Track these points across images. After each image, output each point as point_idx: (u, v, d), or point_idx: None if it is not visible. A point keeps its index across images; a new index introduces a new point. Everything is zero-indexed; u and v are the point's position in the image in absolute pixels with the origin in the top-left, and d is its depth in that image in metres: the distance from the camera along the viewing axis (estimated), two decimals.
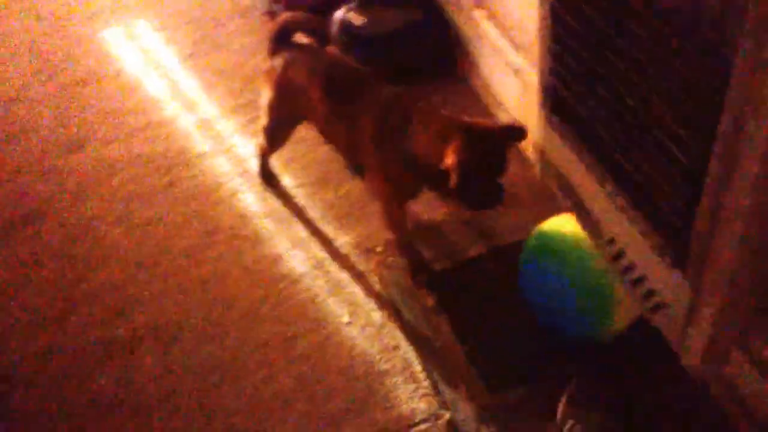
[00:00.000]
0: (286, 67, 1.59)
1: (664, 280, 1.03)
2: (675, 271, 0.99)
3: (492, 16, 1.86)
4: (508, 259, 1.55)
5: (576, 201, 1.25)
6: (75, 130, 2.01)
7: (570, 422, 1.26)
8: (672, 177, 0.91)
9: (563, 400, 1.30)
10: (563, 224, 1.37)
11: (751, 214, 0.84)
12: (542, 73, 1.19)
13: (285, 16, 1.66)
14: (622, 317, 1.34)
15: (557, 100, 1.17)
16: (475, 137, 1.33)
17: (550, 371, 1.38)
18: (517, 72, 1.76)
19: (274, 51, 1.64)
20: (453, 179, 1.31)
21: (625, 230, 1.09)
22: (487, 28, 1.86)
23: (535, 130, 1.32)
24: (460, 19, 1.97)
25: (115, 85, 2.14)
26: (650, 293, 1.10)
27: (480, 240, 1.65)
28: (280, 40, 1.63)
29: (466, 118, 1.40)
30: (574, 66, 1.09)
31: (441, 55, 2.01)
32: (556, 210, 1.44)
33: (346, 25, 1.94)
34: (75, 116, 2.05)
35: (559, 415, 1.30)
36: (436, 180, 1.37)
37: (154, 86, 2.13)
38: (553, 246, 1.38)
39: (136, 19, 2.37)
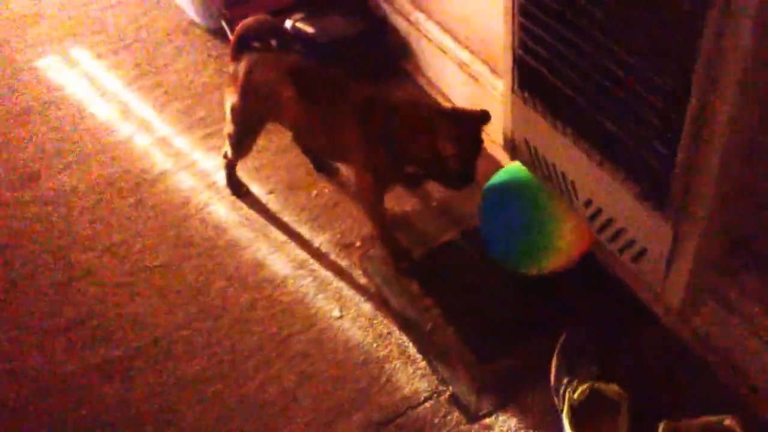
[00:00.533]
0: (251, 69, 1.62)
1: (645, 225, 1.14)
2: (655, 214, 1.09)
3: (432, 17, 1.96)
4: (481, 239, 1.66)
5: (548, 173, 1.35)
6: (26, 161, 1.99)
7: (565, 379, 1.34)
8: (650, 123, 1.01)
9: (555, 357, 1.40)
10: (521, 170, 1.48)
11: (727, 150, 0.95)
12: (511, 49, 1.27)
13: (248, 20, 1.68)
14: (555, 261, 1.49)
15: (526, 74, 1.26)
16: (462, 124, 1.43)
17: (538, 338, 1.47)
18: (461, 65, 1.86)
19: (236, 55, 1.66)
20: (453, 164, 1.43)
21: (604, 186, 1.19)
22: (429, 28, 1.96)
23: (503, 111, 1.41)
24: (402, 23, 2.05)
25: (61, 113, 2.12)
26: (631, 243, 1.20)
27: (451, 226, 1.73)
28: (243, 45, 1.66)
29: (446, 106, 1.49)
30: (542, 35, 1.17)
31: (388, 57, 2.10)
32: None
33: (298, 34, 1.99)
34: (24, 147, 2.02)
35: (553, 372, 1.39)
36: (427, 167, 1.44)
37: (102, 110, 2.12)
38: (508, 186, 1.53)
39: (72, 46, 2.35)
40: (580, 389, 1.29)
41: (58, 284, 1.68)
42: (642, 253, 1.20)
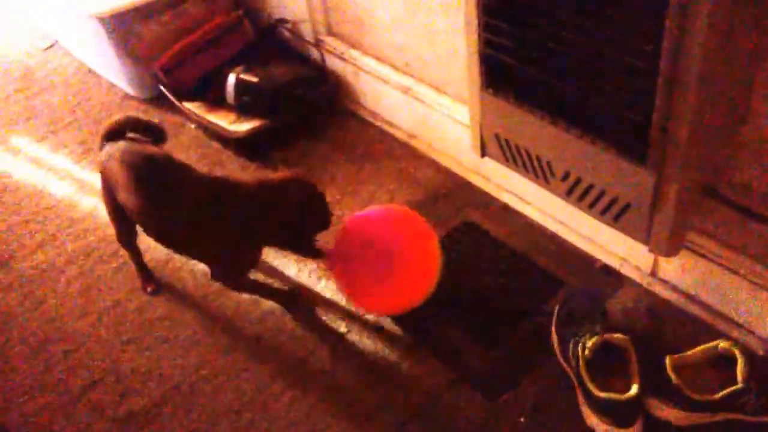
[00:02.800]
0: (106, 160, 1.63)
1: (626, 181, 1.33)
2: (636, 168, 1.29)
3: (367, 52, 2.16)
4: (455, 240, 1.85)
5: (522, 159, 1.55)
6: None
7: (572, 342, 1.52)
8: (626, 86, 1.21)
9: (554, 327, 1.58)
10: None
11: (698, 99, 1.15)
12: (477, 50, 1.45)
13: (119, 115, 1.71)
14: None
15: (494, 70, 1.45)
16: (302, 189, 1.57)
17: (530, 318, 1.67)
18: (405, 90, 2.06)
19: (101, 146, 1.66)
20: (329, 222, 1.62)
21: (583, 156, 1.38)
22: (366, 62, 2.15)
23: (470, 113, 1.61)
24: (339, 64, 2.24)
25: (18, 197, 2.16)
26: (612, 202, 1.39)
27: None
28: (111, 137, 1.66)
29: (281, 174, 1.62)
30: (507, 28, 1.36)
31: (329, 97, 2.27)
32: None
33: (243, 85, 2.14)
34: None
35: (555, 341, 1.57)
36: (289, 235, 1.59)
37: (59, 189, 2.17)
38: None
39: (10, 136, 2.39)
40: (590, 343, 1.46)
41: (65, 353, 1.73)
42: (625, 209, 1.38)
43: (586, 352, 1.46)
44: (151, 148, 1.65)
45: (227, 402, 1.59)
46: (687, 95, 1.16)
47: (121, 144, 1.62)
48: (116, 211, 1.69)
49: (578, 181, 1.45)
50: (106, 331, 1.77)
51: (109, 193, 1.67)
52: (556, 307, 1.61)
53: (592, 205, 1.46)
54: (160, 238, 1.65)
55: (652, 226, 1.37)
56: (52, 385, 1.67)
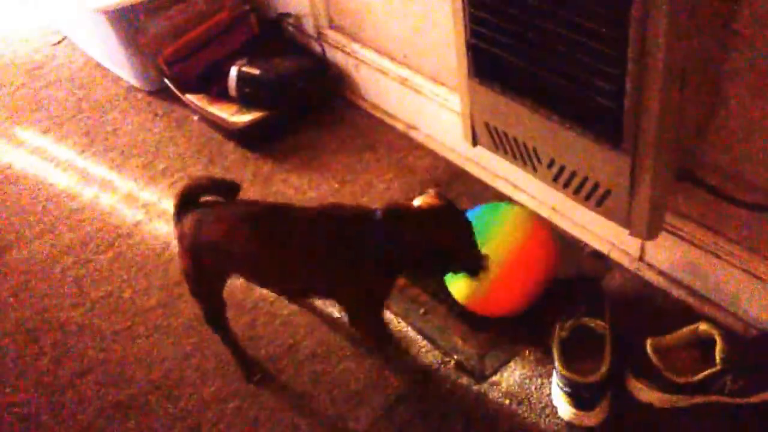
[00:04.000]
0: (199, 226, 1.42)
1: (605, 166, 1.31)
2: (612, 153, 1.27)
3: (366, 45, 2.11)
4: None
5: (510, 147, 1.49)
6: None
7: (557, 322, 1.46)
8: (598, 73, 1.19)
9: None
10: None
11: (666, 84, 1.13)
12: (464, 40, 1.43)
13: (187, 181, 1.52)
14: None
15: (480, 60, 1.43)
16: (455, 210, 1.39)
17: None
18: (403, 81, 2.00)
19: (179, 218, 1.45)
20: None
21: (564, 143, 1.36)
22: (366, 54, 2.11)
23: (461, 102, 1.55)
24: (339, 56, 2.21)
25: (19, 188, 2.15)
26: (595, 188, 1.37)
27: None
28: (186, 205, 1.45)
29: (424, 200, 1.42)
30: (491, 19, 1.34)
31: (329, 88, 2.24)
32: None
33: (246, 77, 2.12)
34: None
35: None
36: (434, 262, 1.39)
37: (60, 179, 2.16)
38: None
39: (14, 128, 2.36)
40: (567, 324, 1.44)
41: (54, 343, 1.70)
42: (606, 194, 1.36)
43: (563, 332, 1.44)
44: (244, 201, 1.51)
45: (215, 391, 1.56)
46: (655, 79, 1.14)
47: (209, 208, 1.45)
48: (205, 284, 1.50)
49: (562, 168, 1.44)
50: (99, 320, 1.74)
51: (197, 265, 1.45)
52: (554, 288, 1.58)
53: (576, 191, 1.45)
54: (297, 290, 1.53)
55: (631, 210, 1.34)
56: (40, 375, 1.64)
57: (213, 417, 1.51)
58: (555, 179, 1.44)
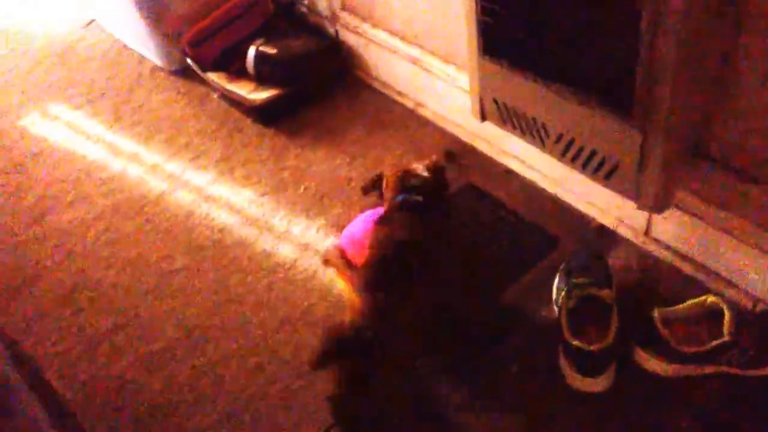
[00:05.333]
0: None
1: (615, 140, 1.27)
2: (623, 126, 1.23)
3: (378, 25, 2.10)
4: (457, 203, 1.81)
5: (519, 122, 1.50)
6: (30, 205, 2.00)
7: (564, 291, 1.47)
8: (610, 48, 1.16)
9: (557, 278, 1.53)
10: None
11: (678, 57, 1.10)
12: (474, 18, 1.40)
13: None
14: None
15: (490, 37, 1.39)
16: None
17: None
18: (414, 61, 2.00)
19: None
20: None
21: (574, 118, 1.32)
22: (377, 35, 2.09)
23: (470, 79, 1.56)
24: (352, 36, 2.18)
25: (54, 160, 2.14)
26: (603, 162, 1.34)
27: None
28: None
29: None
30: None
31: (342, 68, 2.22)
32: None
33: (263, 56, 2.10)
34: (26, 193, 2.04)
35: (554, 291, 1.52)
36: None
37: (91, 152, 2.15)
38: None
39: (49, 104, 2.37)
40: (575, 294, 1.41)
41: (90, 301, 1.71)
42: (615, 168, 1.32)
43: (570, 301, 1.42)
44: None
45: (236, 348, 1.56)
46: (668, 52, 1.10)
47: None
48: None
49: (571, 142, 1.40)
50: (130, 280, 1.75)
51: None
52: (566, 260, 1.56)
53: (584, 166, 1.41)
54: None
55: (639, 184, 1.31)
56: (78, 329, 1.65)
57: (235, 372, 1.50)
58: (563, 153, 1.40)
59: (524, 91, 1.42)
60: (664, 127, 1.20)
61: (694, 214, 1.47)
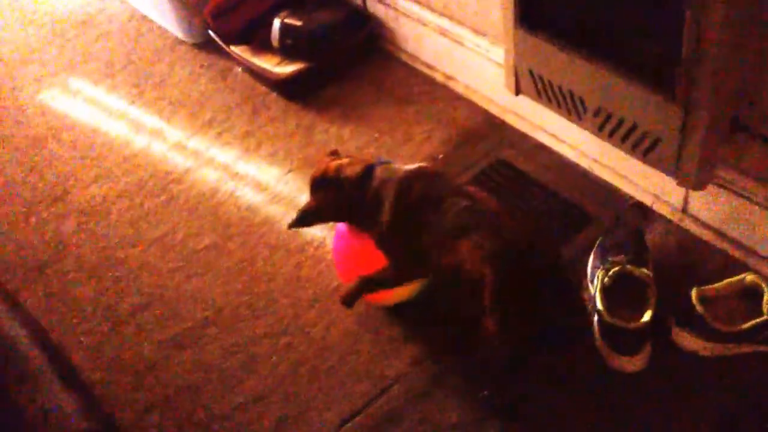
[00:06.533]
0: None
1: (656, 115, 1.27)
2: (666, 103, 1.22)
3: None
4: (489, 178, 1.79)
5: (554, 95, 1.47)
6: (51, 181, 2.01)
7: (598, 269, 1.46)
8: (654, 22, 1.14)
9: (592, 255, 1.52)
10: None
11: (723, 36, 1.09)
12: None
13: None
14: None
15: (529, 9, 1.38)
16: None
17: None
18: (443, 32, 1.97)
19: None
20: None
21: (615, 92, 1.31)
22: (405, 6, 2.07)
23: (505, 51, 1.53)
24: (379, 7, 2.16)
25: (75, 136, 2.15)
26: (643, 137, 1.33)
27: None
28: None
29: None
30: None
31: (369, 40, 2.20)
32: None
33: (288, 29, 2.09)
34: (48, 169, 2.05)
35: (589, 268, 1.51)
36: None
37: (113, 128, 2.16)
38: None
39: (69, 78, 2.37)
40: (611, 272, 1.41)
41: (115, 279, 1.73)
42: (655, 144, 1.32)
43: (606, 279, 1.42)
44: None
45: (267, 326, 1.57)
46: (713, 28, 1.09)
47: None
48: None
49: (609, 116, 1.39)
50: (154, 260, 1.76)
51: None
52: (600, 237, 1.56)
53: (623, 140, 1.40)
54: None
55: (680, 159, 1.30)
56: (103, 308, 1.67)
57: (265, 352, 1.52)
58: (601, 128, 1.39)
59: (562, 64, 1.41)
60: (707, 102, 1.20)
61: (733, 190, 1.46)
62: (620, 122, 1.36)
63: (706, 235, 1.56)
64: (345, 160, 1.43)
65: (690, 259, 1.55)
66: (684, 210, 1.60)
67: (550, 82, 1.46)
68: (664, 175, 1.47)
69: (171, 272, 1.72)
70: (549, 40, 1.38)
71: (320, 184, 1.43)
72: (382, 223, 1.33)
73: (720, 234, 1.55)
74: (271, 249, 1.73)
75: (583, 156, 1.77)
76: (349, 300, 1.45)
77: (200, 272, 1.71)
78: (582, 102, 1.42)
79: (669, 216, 1.62)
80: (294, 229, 1.57)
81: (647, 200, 1.66)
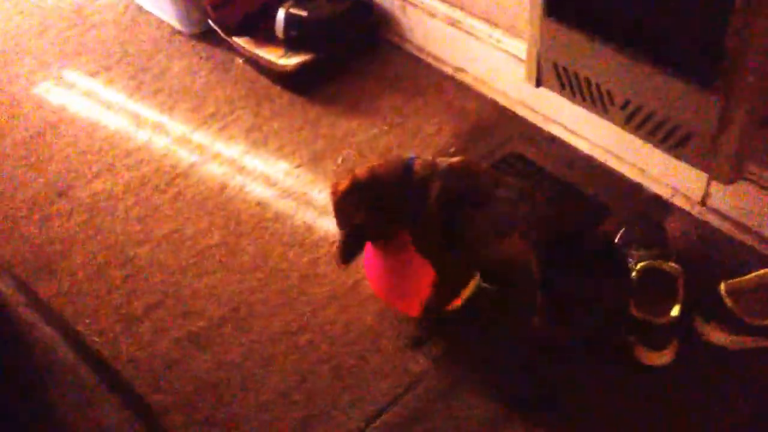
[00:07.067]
0: None
1: (690, 108, 1.27)
2: (703, 95, 1.23)
3: None
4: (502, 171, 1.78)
5: (580, 88, 1.47)
6: (54, 176, 1.97)
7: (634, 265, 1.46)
8: (698, 13, 1.14)
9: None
10: None
11: None
12: None
13: None
14: None
15: (559, 2, 1.37)
16: None
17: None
18: (454, 23, 1.96)
19: None
20: None
21: (645, 84, 1.31)
22: None
23: (528, 42, 1.53)
24: None
25: (74, 130, 2.10)
26: (673, 130, 1.33)
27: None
28: None
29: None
30: None
31: (374, 31, 2.19)
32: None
33: (293, 19, 2.06)
34: (48, 165, 2.00)
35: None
36: None
37: (113, 121, 2.12)
38: None
39: (63, 70, 2.32)
40: (639, 266, 1.42)
41: (125, 277, 1.69)
42: (687, 137, 1.32)
43: (634, 273, 1.42)
44: None
45: (285, 324, 1.56)
46: (764, 17, 1.09)
47: None
48: None
49: (638, 109, 1.39)
50: (165, 256, 1.73)
51: None
52: (622, 229, 1.56)
53: (651, 134, 1.40)
54: None
55: (715, 153, 1.31)
56: (115, 307, 1.64)
57: (285, 350, 1.51)
58: (628, 121, 1.40)
59: (590, 56, 1.41)
60: (749, 94, 1.19)
61: (755, 182, 1.47)
62: (650, 115, 1.36)
63: (727, 228, 1.58)
64: (371, 165, 1.35)
65: (711, 252, 1.57)
66: (703, 203, 1.61)
67: (576, 74, 1.46)
68: (682, 167, 1.49)
69: (183, 270, 1.69)
70: (579, 32, 1.38)
71: (352, 198, 1.31)
72: (426, 220, 1.29)
73: (742, 226, 1.56)
74: (285, 245, 1.71)
75: (598, 148, 1.78)
76: (421, 342, 1.43)
77: (213, 270, 1.68)
78: (609, 94, 1.42)
79: (688, 209, 1.64)
80: (347, 264, 1.39)
81: (665, 193, 1.68)
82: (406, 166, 1.32)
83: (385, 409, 1.41)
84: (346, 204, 1.32)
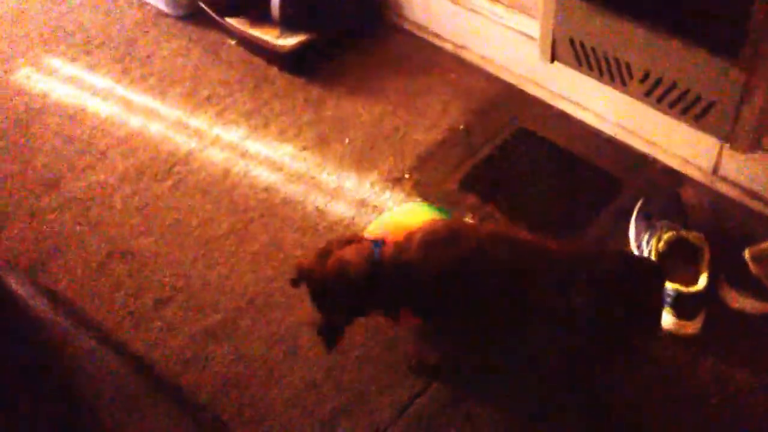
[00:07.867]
0: None
1: (714, 79, 1.29)
2: (727, 66, 1.24)
3: None
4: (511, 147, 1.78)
5: (596, 62, 1.46)
6: (44, 168, 1.90)
7: (646, 235, 1.47)
8: None
9: (633, 221, 1.54)
10: None
11: None
12: None
13: None
14: None
15: None
16: None
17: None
18: (455, 1, 1.93)
19: None
20: None
21: (667, 55, 1.32)
22: None
23: (542, 18, 1.50)
24: None
25: (60, 118, 2.04)
26: (695, 101, 1.34)
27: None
28: None
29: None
30: None
31: (375, 12, 2.15)
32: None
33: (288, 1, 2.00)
34: (36, 155, 1.93)
35: (632, 234, 1.53)
36: None
37: (102, 108, 2.05)
38: None
39: (43, 55, 2.23)
40: (665, 237, 1.44)
41: (131, 272, 1.64)
42: (708, 108, 1.34)
43: (661, 244, 1.44)
44: None
45: (307, 312, 1.52)
46: None
47: None
48: None
49: (659, 81, 1.40)
50: (171, 248, 1.69)
51: None
52: (640, 201, 1.58)
53: (672, 105, 1.42)
54: None
55: (737, 123, 1.33)
56: (122, 304, 1.60)
57: (307, 340, 1.49)
58: (648, 94, 1.41)
59: (609, 30, 1.42)
60: None
61: (765, 150, 1.48)
62: (672, 87, 1.38)
63: (739, 196, 1.61)
64: (339, 256, 1.26)
65: (724, 220, 1.60)
66: (715, 172, 1.64)
67: (593, 49, 1.45)
68: (692, 138, 1.52)
69: (191, 262, 1.65)
70: (598, 6, 1.38)
71: (322, 292, 1.28)
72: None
73: (754, 195, 1.59)
74: (298, 231, 1.68)
75: (607, 122, 1.79)
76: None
77: (223, 260, 1.65)
78: (629, 68, 1.43)
79: (700, 179, 1.66)
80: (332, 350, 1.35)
81: (676, 164, 1.70)
82: (373, 262, 1.23)
83: (419, 393, 1.41)
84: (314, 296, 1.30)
